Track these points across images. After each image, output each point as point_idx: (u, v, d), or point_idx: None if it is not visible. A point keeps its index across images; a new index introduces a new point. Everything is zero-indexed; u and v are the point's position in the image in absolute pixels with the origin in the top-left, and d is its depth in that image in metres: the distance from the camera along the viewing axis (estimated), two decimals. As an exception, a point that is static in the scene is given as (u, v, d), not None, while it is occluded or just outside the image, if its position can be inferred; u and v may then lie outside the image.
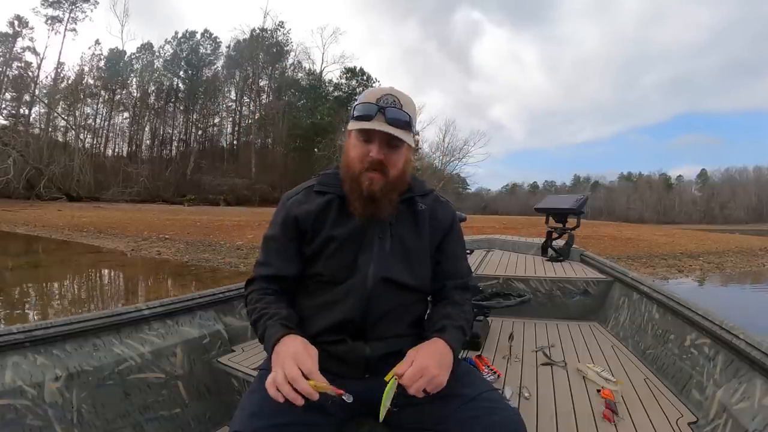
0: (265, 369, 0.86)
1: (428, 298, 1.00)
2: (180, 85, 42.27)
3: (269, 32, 42.40)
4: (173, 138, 42.75)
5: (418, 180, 0.99)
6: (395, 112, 0.84)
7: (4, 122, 34.18)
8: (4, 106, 35.57)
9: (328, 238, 0.88)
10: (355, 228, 0.88)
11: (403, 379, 0.74)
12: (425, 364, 0.75)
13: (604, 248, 10.21)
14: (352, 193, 0.87)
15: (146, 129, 41.62)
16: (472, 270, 1.56)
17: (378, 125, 0.83)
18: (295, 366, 0.71)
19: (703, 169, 78.22)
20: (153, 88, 41.62)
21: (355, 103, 0.89)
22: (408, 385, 0.73)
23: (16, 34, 36.11)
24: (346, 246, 0.88)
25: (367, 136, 0.85)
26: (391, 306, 0.88)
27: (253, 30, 41.93)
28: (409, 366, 0.75)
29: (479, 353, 1.63)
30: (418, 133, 0.94)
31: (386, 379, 0.75)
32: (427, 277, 0.95)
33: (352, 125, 0.87)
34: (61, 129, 37.79)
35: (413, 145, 0.91)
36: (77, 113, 37.86)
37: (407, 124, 0.85)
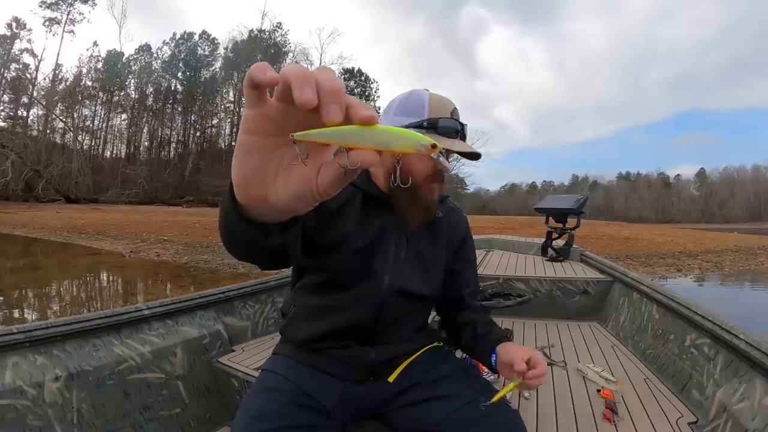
0: (266, 369, 0.86)
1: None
2: (178, 86, 42.32)
3: (267, 33, 42.47)
4: (171, 139, 42.77)
5: None
6: (465, 128, 0.82)
7: (2, 124, 34.16)
8: (2, 108, 35.62)
9: (344, 235, 0.80)
10: (373, 232, 0.83)
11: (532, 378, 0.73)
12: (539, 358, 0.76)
13: (602, 248, 10.23)
14: (408, 204, 0.81)
15: (144, 130, 41.67)
16: None
17: (460, 146, 0.79)
18: None
19: (702, 168, 78.72)
20: (151, 90, 41.68)
21: (427, 113, 0.79)
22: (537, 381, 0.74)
23: (14, 36, 36.18)
24: (362, 249, 0.81)
25: None
26: (402, 314, 0.87)
27: (251, 31, 42.02)
28: (523, 363, 0.73)
29: (479, 353, 1.63)
30: None
31: (510, 385, 0.74)
32: (440, 286, 0.93)
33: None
34: (60, 131, 37.76)
35: None
36: (75, 115, 37.88)
37: None
